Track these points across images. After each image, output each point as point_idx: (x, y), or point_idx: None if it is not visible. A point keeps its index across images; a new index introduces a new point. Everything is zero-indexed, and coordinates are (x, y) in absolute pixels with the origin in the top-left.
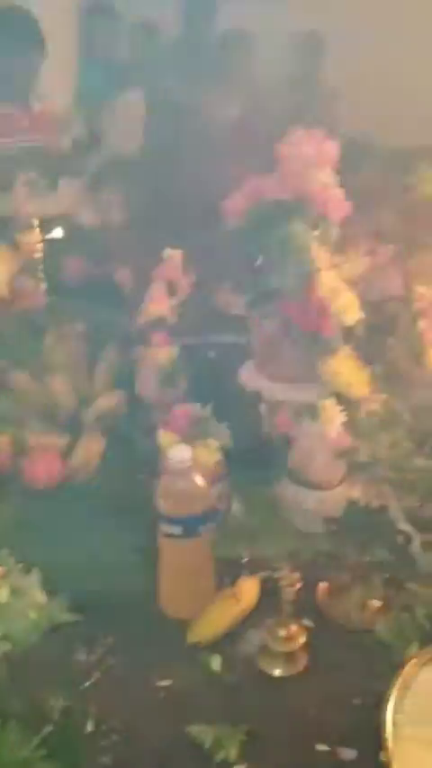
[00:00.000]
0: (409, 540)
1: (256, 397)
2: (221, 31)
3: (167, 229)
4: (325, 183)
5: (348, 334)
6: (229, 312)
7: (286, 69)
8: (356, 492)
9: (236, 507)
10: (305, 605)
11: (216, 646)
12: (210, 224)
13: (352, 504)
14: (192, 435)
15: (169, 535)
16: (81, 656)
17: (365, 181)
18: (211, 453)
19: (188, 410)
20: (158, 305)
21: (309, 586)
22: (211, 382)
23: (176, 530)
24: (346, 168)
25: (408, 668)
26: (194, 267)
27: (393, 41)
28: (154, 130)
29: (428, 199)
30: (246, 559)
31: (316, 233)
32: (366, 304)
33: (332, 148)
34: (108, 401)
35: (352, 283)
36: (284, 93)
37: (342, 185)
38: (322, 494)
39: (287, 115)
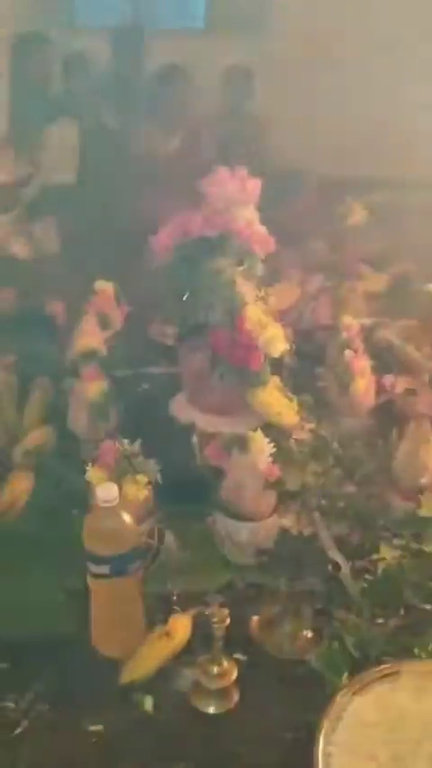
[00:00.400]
0: (338, 568)
1: (189, 429)
2: (157, 65)
3: (100, 261)
4: (249, 220)
5: (277, 364)
6: (163, 343)
7: (216, 102)
8: (288, 521)
9: (168, 541)
10: (238, 639)
11: (148, 685)
12: (143, 256)
13: (283, 533)
14: (120, 471)
15: (97, 575)
16: (9, 704)
17: (295, 211)
18: (139, 489)
19: (116, 446)
20: (90, 338)
21: (241, 619)
22: (145, 415)
23: (104, 569)
24: (276, 199)
25: (338, 699)
26: (128, 299)
27: (324, 73)
28: (87, 161)
29: (356, 229)
30: (176, 595)
31: (241, 268)
32: (297, 333)
33: (255, 186)
34: (37, 437)
35: (282, 314)
36: (216, 125)
37: (271, 217)
38: (254, 525)
39: (218, 148)
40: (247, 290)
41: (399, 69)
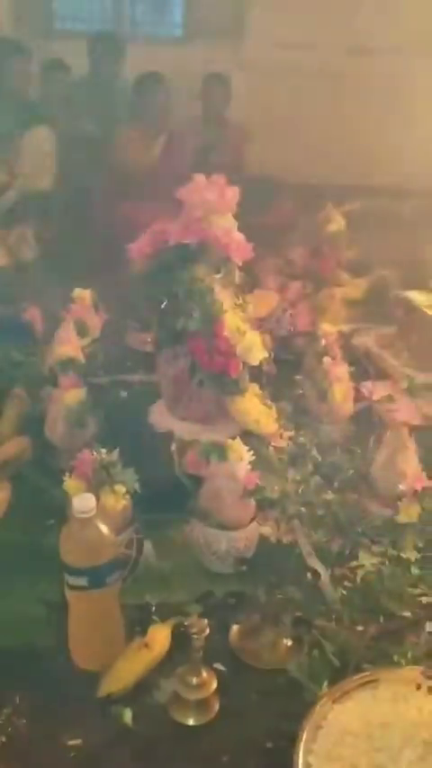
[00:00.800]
0: (318, 576)
1: (167, 437)
2: (136, 72)
3: (78, 268)
4: (227, 228)
5: (255, 372)
6: (141, 350)
7: (195, 111)
8: (267, 529)
9: (147, 552)
10: (217, 648)
11: (127, 697)
12: (121, 263)
13: (263, 541)
14: (98, 481)
15: (75, 587)
16: None
17: (274, 219)
18: (118, 499)
19: (93, 456)
20: (68, 345)
21: (221, 629)
22: (123, 423)
23: (82, 581)
24: (254, 207)
25: (318, 707)
26: (106, 306)
27: (302, 82)
28: (65, 168)
29: (334, 237)
30: (154, 606)
31: (219, 276)
32: (275, 340)
33: (233, 194)
34: (14, 446)
35: (260, 321)
36: (195, 133)
37: (249, 224)
38: (233, 533)
39: (197, 156)
40: (225, 297)
41: (378, 79)
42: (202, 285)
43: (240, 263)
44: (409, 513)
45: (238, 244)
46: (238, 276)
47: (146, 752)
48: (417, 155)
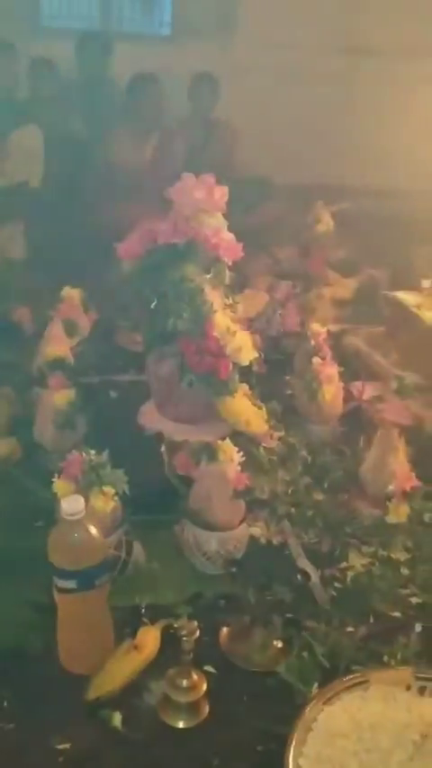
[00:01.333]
0: (308, 577)
1: (157, 438)
2: (124, 72)
3: (68, 267)
4: (216, 227)
5: (245, 372)
6: (131, 350)
7: (183, 109)
8: (257, 530)
9: (136, 553)
10: (208, 650)
11: (117, 700)
12: (111, 263)
13: (253, 542)
14: (87, 483)
15: (64, 589)
16: None
17: (264, 218)
18: (107, 501)
19: (82, 457)
20: (56, 345)
21: (211, 631)
22: (112, 424)
23: (71, 584)
24: (244, 207)
25: (308, 709)
26: (95, 306)
27: (291, 82)
28: (54, 167)
29: (323, 236)
30: (144, 608)
31: (209, 276)
32: (265, 341)
33: (222, 193)
34: (2, 448)
35: (250, 321)
36: (184, 132)
37: (239, 224)
38: (223, 534)
39: (186, 155)
40: (215, 297)
41: (367, 79)
42: (192, 285)
43: (230, 263)
44: (398, 513)
45: (227, 243)
46: (228, 276)
47: (135, 755)
48: (406, 155)
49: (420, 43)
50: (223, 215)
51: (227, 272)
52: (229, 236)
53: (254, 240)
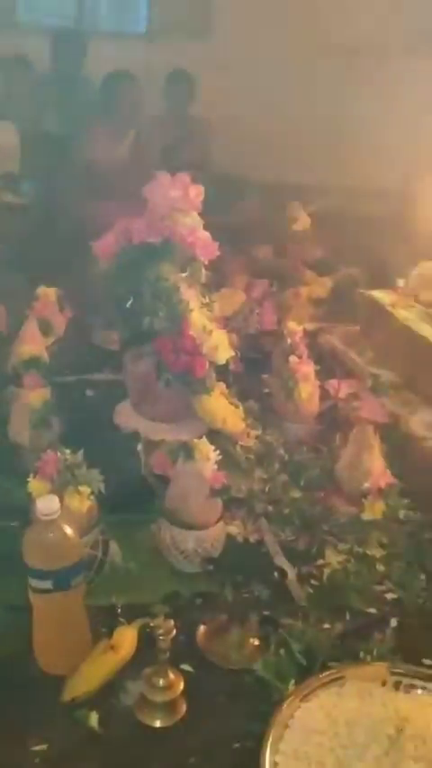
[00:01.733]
0: (284, 574)
1: (134, 437)
2: (100, 69)
3: (43, 265)
4: (192, 226)
5: (222, 371)
6: (107, 349)
7: (159, 107)
8: (234, 528)
9: (113, 553)
10: (185, 649)
11: (93, 701)
12: (88, 261)
13: (230, 540)
14: (62, 482)
15: (39, 590)
16: None
17: (242, 217)
18: (82, 500)
19: (57, 456)
20: (31, 344)
21: (188, 629)
22: (89, 423)
23: (46, 584)
24: (221, 205)
25: (285, 706)
26: (71, 304)
27: (268, 80)
28: (29, 165)
29: (300, 235)
30: (120, 607)
31: (184, 274)
32: (242, 339)
33: (197, 192)
34: None
35: (227, 319)
36: (160, 130)
37: (216, 222)
38: (200, 533)
39: (162, 154)
40: (191, 296)
41: (345, 78)
42: (168, 284)
43: (206, 262)
44: (374, 510)
45: (203, 242)
46: (204, 275)
47: (112, 756)
48: (383, 155)
49: (398, 43)
50: (199, 214)
51: (203, 270)
52: (205, 235)
53: (231, 239)
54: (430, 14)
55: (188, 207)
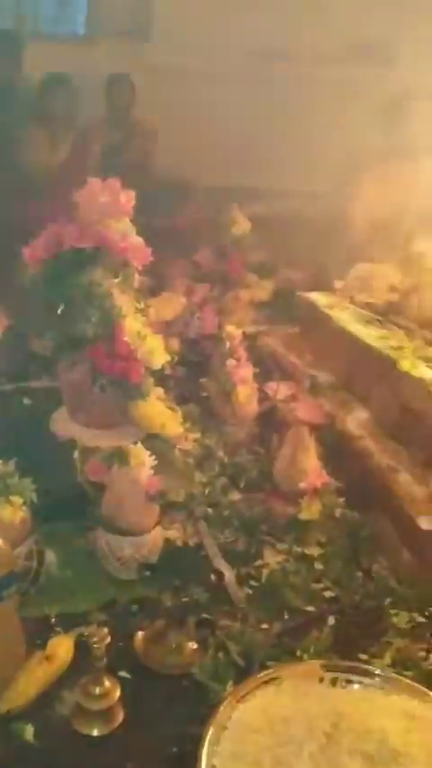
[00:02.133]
0: (222, 577)
1: (70, 444)
2: (38, 72)
3: None
4: (123, 232)
5: (160, 375)
6: (45, 356)
7: (100, 111)
8: (173, 532)
9: (49, 562)
10: (123, 656)
11: (28, 713)
12: (20, 266)
13: (169, 545)
14: None
15: None
16: None
17: (183, 221)
18: (15, 511)
19: None
20: None
21: (126, 636)
22: (25, 431)
23: None
24: (160, 209)
25: (221, 708)
26: (7, 311)
27: (207, 85)
28: None
29: (240, 239)
30: (55, 617)
31: (117, 280)
32: (184, 343)
33: (128, 198)
34: None
35: (167, 324)
36: (98, 135)
37: (155, 227)
38: (137, 539)
39: (100, 159)
40: (124, 301)
41: (283, 82)
42: (100, 289)
43: (140, 267)
44: (311, 510)
45: (136, 247)
46: (137, 280)
47: (49, 767)
48: (321, 158)
49: (329, 48)
50: (131, 220)
51: (136, 275)
52: (138, 240)
53: (172, 243)
54: (368, 25)
55: (119, 213)
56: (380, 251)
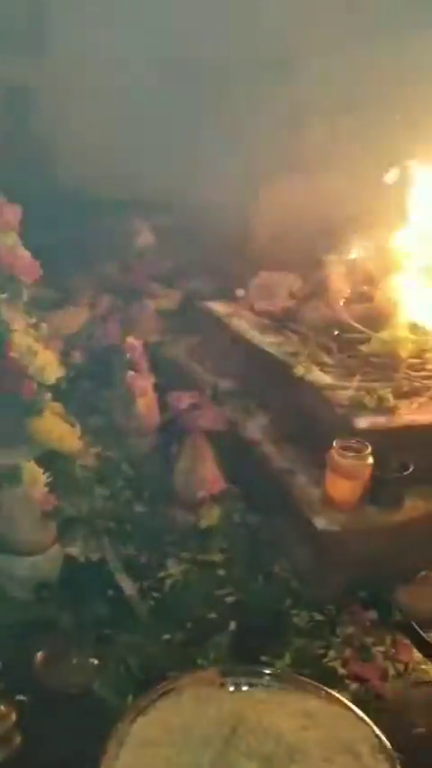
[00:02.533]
0: (122, 591)
1: None
2: None
3: None
4: (10, 246)
5: (56, 389)
6: None
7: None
8: (74, 549)
9: None
10: (21, 679)
11: None
12: None
13: (70, 562)
14: None
15: None
16: None
17: (82, 234)
18: None
19: None
20: None
21: (24, 659)
22: None
23: None
24: (59, 223)
25: (120, 724)
26: None
27: (108, 97)
28: None
29: (144, 250)
30: None
31: (4, 296)
32: (89, 355)
33: (14, 213)
34: None
35: (70, 336)
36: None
37: (55, 240)
38: (34, 558)
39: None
40: (12, 317)
41: (185, 93)
42: None
43: (29, 282)
44: (210, 516)
45: (23, 262)
46: (26, 294)
47: None
48: (222, 170)
49: (237, 57)
50: (18, 234)
51: (24, 290)
52: (25, 255)
53: (75, 255)
54: (281, 40)
55: (3, 227)
56: (281, 259)
